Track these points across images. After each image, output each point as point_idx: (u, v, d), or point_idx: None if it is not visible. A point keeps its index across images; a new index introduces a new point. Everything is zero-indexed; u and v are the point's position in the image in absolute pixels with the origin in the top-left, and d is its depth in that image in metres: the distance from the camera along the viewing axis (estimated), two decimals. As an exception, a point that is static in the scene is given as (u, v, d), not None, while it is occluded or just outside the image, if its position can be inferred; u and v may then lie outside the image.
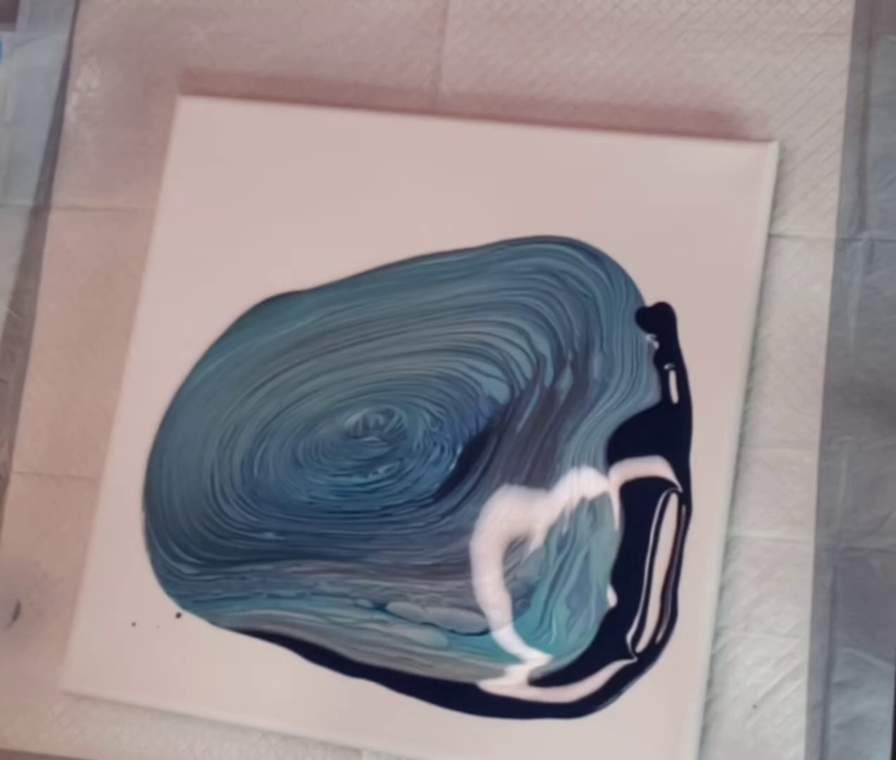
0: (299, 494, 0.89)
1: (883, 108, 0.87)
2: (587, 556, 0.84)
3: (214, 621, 0.88)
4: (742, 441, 0.85)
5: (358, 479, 0.88)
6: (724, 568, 0.83)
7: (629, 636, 0.82)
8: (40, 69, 1.00)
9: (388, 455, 0.88)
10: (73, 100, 1.00)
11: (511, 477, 0.86)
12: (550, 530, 0.85)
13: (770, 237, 0.86)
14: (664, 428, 0.85)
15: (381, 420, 0.88)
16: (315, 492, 0.88)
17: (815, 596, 0.83)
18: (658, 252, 0.87)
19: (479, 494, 0.86)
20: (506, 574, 0.85)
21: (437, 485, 0.87)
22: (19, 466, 0.95)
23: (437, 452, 0.87)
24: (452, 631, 0.85)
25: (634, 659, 0.82)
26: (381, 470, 0.88)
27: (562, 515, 0.85)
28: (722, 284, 0.85)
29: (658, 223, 0.87)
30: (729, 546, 0.84)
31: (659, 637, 0.82)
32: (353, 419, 0.89)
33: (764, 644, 0.83)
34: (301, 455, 0.89)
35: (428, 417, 0.88)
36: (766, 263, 0.86)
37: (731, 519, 0.84)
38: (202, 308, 0.92)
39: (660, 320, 0.86)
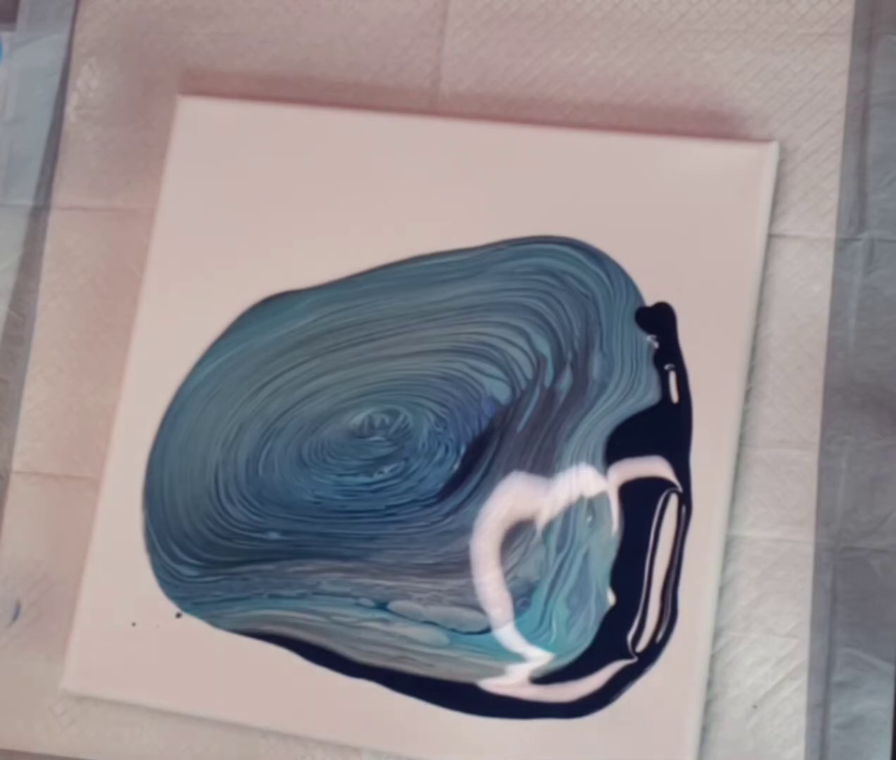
0: (304, 494, 0.89)
1: (883, 108, 0.87)
2: (586, 556, 0.84)
3: (214, 622, 0.88)
4: (742, 441, 0.85)
5: (363, 479, 0.88)
6: (724, 568, 0.83)
7: (629, 636, 0.82)
8: (40, 69, 1.00)
9: (393, 454, 0.88)
10: (73, 100, 1.00)
11: (512, 477, 0.86)
12: (550, 529, 0.85)
13: (770, 237, 0.86)
14: (664, 427, 0.85)
15: (387, 420, 0.88)
16: (320, 492, 0.88)
17: (815, 596, 0.83)
18: (658, 252, 0.87)
19: (482, 494, 0.86)
20: (506, 573, 0.85)
21: (441, 485, 0.87)
22: (19, 466, 0.95)
23: (441, 452, 0.87)
24: (453, 630, 0.85)
25: (634, 659, 0.82)
26: (387, 469, 0.88)
27: (561, 514, 0.85)
28: (722, 284, 0.85)
29: (658, 223, 0.87)
30: (729, 546, 0.84)
31: (659, 637, 0.82)
32: (358, 419, 0.89)
33: (764, 645, 0.83)
34: (306, 454, 0.89)
35: (432, 417, 0.88)
36: (766, 263, 0.86)
37: (731, 519, 0.84)
38: (202, 307, 0.92)
39: (660, 320, 0.86)
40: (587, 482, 0.85)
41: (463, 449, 0.87)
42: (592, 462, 0.85)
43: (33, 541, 0.94)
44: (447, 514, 0.86)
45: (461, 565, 0.85)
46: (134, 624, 0.89)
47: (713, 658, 0.83)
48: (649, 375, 0.85)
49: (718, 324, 0.85)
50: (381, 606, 0.86)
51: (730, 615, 0.83)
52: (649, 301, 0.86)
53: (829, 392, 0.85)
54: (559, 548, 0.84)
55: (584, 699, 0.82)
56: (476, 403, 0.87)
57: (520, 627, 0.84)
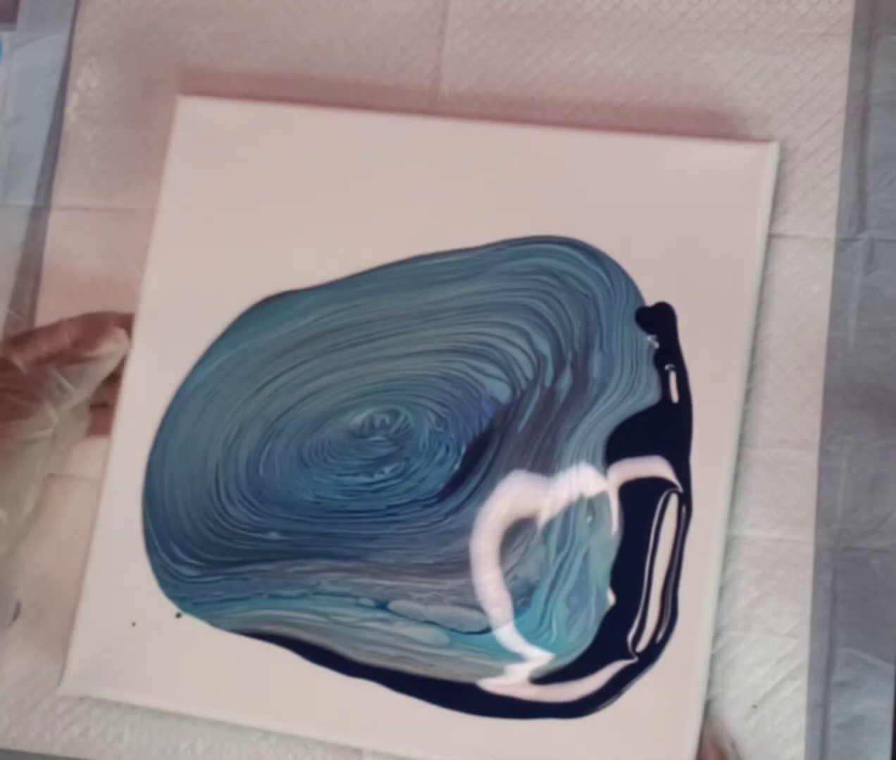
0: (305, 494, 0.89)
1: (883, 108, 0.87)
2: (586, 556, 0.84)
3: (214, 622, 0.88)
4: (742, 441, 0.85)
5: (364, 479, 0.88)
6: (724, 568, 0.83)
7: (629, 636, 0.82)
8: (40, 69, 1.00)
9: (394, 454, 0.88)
10: (73, 100, 1.00)
11: (512, 477, 0.86)
12: (550, 529, 0.85)
13: (770, 237, 0.86)
14: (664, 427, 0.85)
15: (388, 420, 0.88)
16: (321, 492, 0.88)
17: (815, 596, 0.83)
18: (658, 252, 0.87)
19: (482, 494, 0.86)
20: (507, 573, 0.85)
21: (441, 485, 0.87)
22: (19, 466, 0.95)
23: (442, 452, 0.87)
24: (454, 630, 0.85)
25: (634, 659, 0.82)
26: (387, 469, 0.88)
27: (561, 514, 0.85)
28: (722, 284, 0.85)
29: (658, 223, 0.87)
30: (729, 546, 0.84)
31: (659, 637, 0.82)
32: (358, 419, 0.89)
33: (764, 645, 0.83)
34: (307, 454, 0.89)
35: (433, 417, 0.88)
36: (766, 263, 0.86)
37: (731, 519, 0.84)
38: (202, 307, 0.92)
39: (660, 320, 0.86)
40: (587, 482, 0.85)
41: (463, 449, 0.87)
42: (592, 462, 0.85)
43: (33, 541, 0.94)
44: (448, 514, 0.86)
45: (461, 565, 0.85)
46: (134, 625, 0.89)
47: (713, 659, 0.83)
48: (649, 375, 0.85)
49: (718, 324, 0.85)
50: (382, 606, 0.86)
51: (730, 615, 0.83)
52: (649, 301, 0.86)
53: (829, 392, 0.85)
54: (559, 548, 0.84)
55: (584, 699, 0.82)
56: (476, 403, 0.87)
57: (520, 627, 0.84)
